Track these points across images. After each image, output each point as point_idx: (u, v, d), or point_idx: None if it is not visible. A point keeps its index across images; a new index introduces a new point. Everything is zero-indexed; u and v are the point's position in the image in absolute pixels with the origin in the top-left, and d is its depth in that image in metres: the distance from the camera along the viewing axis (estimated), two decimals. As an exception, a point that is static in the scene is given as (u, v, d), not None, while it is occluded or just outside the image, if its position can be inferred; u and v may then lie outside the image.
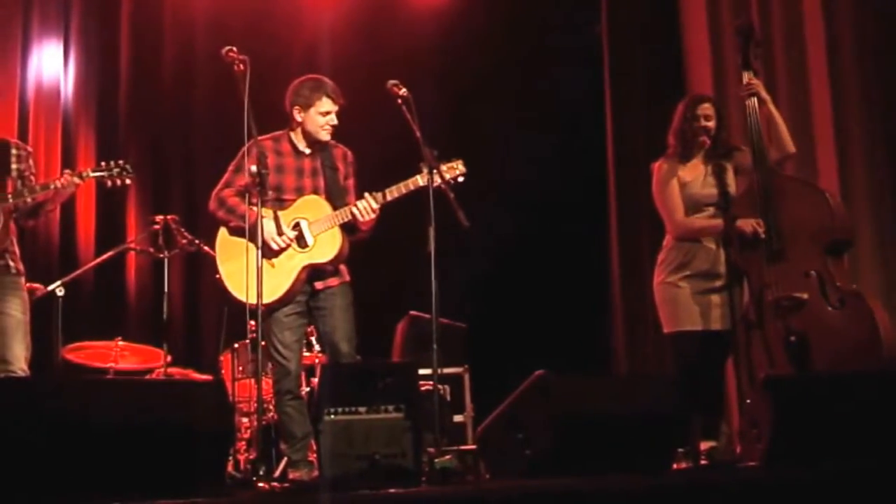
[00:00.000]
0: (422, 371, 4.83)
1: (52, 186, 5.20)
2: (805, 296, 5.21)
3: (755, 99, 5.51)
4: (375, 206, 5.20)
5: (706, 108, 5.52)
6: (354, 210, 5.19)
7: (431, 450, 4.70)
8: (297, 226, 5.23)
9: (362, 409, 4.35)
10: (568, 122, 7.99)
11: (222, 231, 5.29)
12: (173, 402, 4.02)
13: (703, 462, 5.12)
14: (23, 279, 5.29)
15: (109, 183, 5.40)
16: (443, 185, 5.02)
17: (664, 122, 5.74)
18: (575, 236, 8.00)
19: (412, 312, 7.07)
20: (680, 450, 4.96)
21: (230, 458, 5.24)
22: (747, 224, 5.29)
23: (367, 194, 5.23)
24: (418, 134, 5.00)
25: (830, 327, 5.16)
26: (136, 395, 4.04)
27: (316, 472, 5.03)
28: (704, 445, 5.25)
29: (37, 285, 6.04)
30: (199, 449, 3.90)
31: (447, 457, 4.73)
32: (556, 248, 8.00)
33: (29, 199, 5.18)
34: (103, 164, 5.44)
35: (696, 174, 5.50)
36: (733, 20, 6.80)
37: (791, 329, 5.17)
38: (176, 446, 3.86)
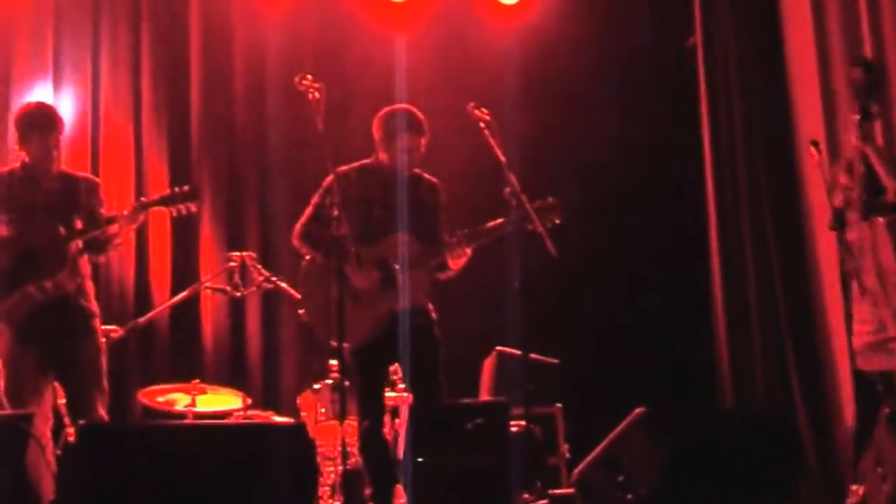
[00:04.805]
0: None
1: (117, 221, 5.26)
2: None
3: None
4: (469, 249, 5.20)
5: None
6: (446, 252, 5.20)
7: (526, 495, 4.67)
8: (383, 264, 5.24)
9: (451, 452, 4.34)
10: (662, 145, 7.92)
11: (307, 266, 5.31)
12: (254, 447, 4.06)
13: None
14: (97, 320, 5.31)
15: (175, 212, 5.41)
16: (538, 229, 4.99)
17: (764, 144, 5.61)
18: (673, 266, 7.91)
19: (498, 348, 7.03)
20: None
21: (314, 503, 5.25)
22: None
23: (458, 233, 5.23)
24: (503, 159, 4.99)
25: None
26: (216, 440, 4.09)
27: (404, 519, 5.03)
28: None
29: (113, 327, 6.13)
30: (282, 494, 3.93)
31: (542, 502, 4.70)
32: (653, 278, 7.91)
33: (98, 233, 5.24)
34: (167, 191, 5.50)
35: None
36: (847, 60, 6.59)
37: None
38: (258, 491, 3.89)
